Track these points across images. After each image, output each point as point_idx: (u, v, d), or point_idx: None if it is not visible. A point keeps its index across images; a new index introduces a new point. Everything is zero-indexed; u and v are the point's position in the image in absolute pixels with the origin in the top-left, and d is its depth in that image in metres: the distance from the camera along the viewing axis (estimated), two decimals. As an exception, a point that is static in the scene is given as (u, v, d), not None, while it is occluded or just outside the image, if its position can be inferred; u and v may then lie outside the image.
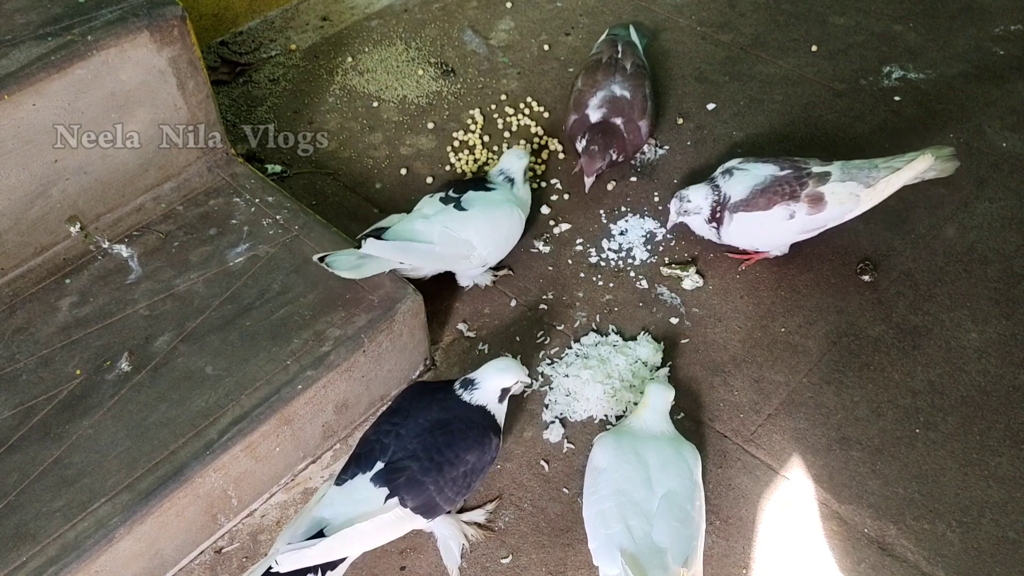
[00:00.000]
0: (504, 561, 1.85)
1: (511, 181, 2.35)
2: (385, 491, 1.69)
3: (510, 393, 1.87)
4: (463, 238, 2.18)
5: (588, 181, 2.46)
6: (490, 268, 2.35)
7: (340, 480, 1.73)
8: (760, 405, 2.10)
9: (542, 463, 2.00)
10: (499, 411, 1.86)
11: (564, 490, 1.96)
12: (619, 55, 2.62)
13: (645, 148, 2.66)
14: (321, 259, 2.02)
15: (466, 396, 1.82)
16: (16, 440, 1.80)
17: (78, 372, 1.90)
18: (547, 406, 2.10)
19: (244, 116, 2.82)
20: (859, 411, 2.07)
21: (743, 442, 2.03)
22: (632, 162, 2.65)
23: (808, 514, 1.91)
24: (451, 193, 2.26)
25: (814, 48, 3.01)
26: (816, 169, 2.21)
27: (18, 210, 2.00)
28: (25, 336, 1.96)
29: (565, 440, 2.04)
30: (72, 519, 1.68)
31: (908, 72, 2.89)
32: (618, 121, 2.48)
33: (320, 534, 1.64)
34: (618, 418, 2.07)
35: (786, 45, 3.03)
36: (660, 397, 1.90)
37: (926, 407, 2.07)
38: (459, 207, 2.22)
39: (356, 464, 1.74)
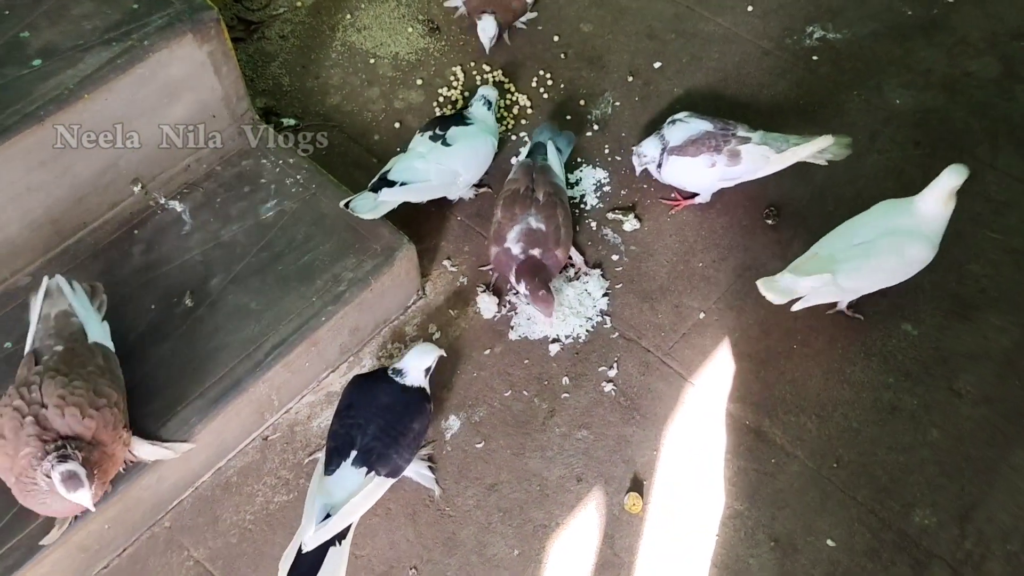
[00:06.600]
0: (478, 446, 2.49)
1: (489, 104, 2.92)
2: (364, 469, 2.16)
3: (431, 370, 2.37)
4: (451, 169, 2.76)
5: (549, 321, 2.66)
6: (472, 186, 2.92)
7: (328, 471, 2.17)
8: (677, 326, 2.70)
9: (508, 372, 2.62)
10: (426, 384, 2.34)
11: (524, 392, 2.58)
12: (533, 185, 2.69)
13: (569, 266, 2.80)
14: (346, 204, 2.57)
15: (400, 381, 2.30)
16: (111, 362, 2.37)
17: (153, 307, 2.47)
18: (512, 328, 2.70)
19: (260, 71, 3.29)
20: (752, 331, 2.68)
21: (662, 355, 2.64)
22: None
23: (706, 411, 2.54)
24: (437, 131, 2.81)
25: (750, 8, 3.44)
26: (741, 132, 2.73)
27: (95, 177, 2.50)
28: (107, 278, 2.50)
29: (525, 355, 2.66)
30: (162, 419, 2.28)
31: (828, 32, 3.34)
32: (536, 252, 2.58)
33: (328, 516, 2.10)
34: (566, 337, 2.68)
35: (725, 3, 3.46)
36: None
37: (802, 328, 2.66)
38: (445, 143, 2.77)
39: (336, 455, 2.19)
